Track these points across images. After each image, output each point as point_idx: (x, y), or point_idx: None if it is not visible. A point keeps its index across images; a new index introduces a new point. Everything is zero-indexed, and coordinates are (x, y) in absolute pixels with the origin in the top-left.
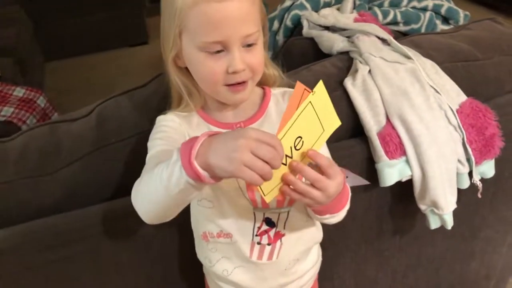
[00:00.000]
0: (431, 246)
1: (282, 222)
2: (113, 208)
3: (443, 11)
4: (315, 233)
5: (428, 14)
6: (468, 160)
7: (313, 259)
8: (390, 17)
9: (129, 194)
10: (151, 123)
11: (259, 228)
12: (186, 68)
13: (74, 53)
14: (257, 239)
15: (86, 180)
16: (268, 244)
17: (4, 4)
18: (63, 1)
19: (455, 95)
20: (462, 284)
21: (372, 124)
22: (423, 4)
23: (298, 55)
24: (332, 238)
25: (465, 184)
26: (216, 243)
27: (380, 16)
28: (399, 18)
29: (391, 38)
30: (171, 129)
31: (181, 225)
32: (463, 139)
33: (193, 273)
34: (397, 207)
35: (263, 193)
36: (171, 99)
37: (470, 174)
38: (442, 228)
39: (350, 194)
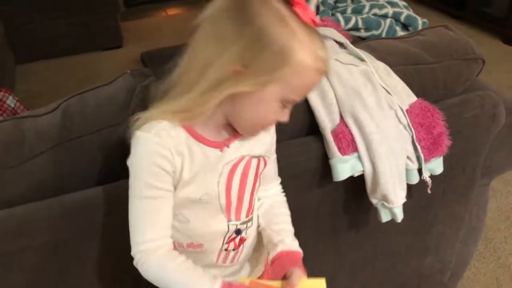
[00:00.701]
0: (386, 241)
1: (246, 229)
2: (76, 199)
3: (402, 18)
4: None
5: (388, 21)
6: (418, 157)
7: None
8: (351, 23)
9: (93, 186)
10: (115, 119)
11: (229, 237)
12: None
13: (46, 56)
14: (225, 246)
15: (50, 173)
16: (233, 250)
17: None
18: (35, 3)
19: (405, 96)
20: (418, 278)
21: (327, 122)
22: (383, 12)
23: None
24: None
25: (414, 179)
26: (184, 251)
27: (342, 22)
28: (360, 24)
29: (348, 42)
30: (162, 171)
31: None
32: (412, 137)
33: None
34: (351, 202)
35: None
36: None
37: (420, 171)
38: (396, 223)
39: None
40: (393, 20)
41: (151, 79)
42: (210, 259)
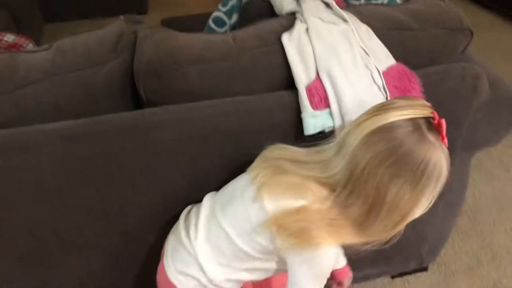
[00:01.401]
0: None
1: None
2: (58, 129)
3: None
4: None
5: None
6: None
7: None
8: None
9: (73, 118)
10: (102, 58)
11: None
12: None
13: (74, 17)
14: None
15: (37, 102)
16: None
17: None
18: None
19: (384, 58)
20: (393, 247)
21: (303, 77)
22: None
23: (255, 16)
24: None
25: None
26: None
27: None
28: None
29: (333, 2)
30: None
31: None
32: (386, 99)
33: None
34: None
35: None
36: None
37: None
38: None
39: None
40: None
41: (142, 26)
42: None
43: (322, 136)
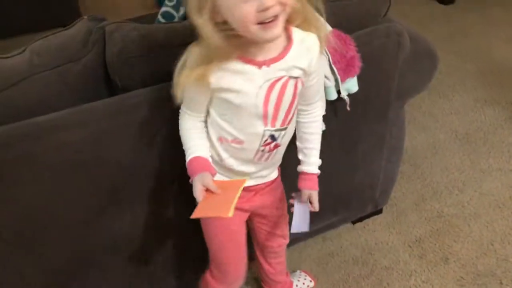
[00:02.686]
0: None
1: (281, 137)
2: (46, 120)
3: None
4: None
5: None
6: (336, 80)
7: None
8: None
9: (58, 110)
10: (75, 55)
11: (265, 141)
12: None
13: (4, 35)
14: (261, 148)
15: (20, 102)
16: (268, 152)
17: None
18: None
19: None
20: (350, 193)
21: None
22: None
23: None
24: None
25: (333, 96)
26: (229, 145)
27: None
28: None
29: None
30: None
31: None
32: (329, 60)
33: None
34: None
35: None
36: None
37: (340, 92)
38: (327, 141)
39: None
40: None
41: (106, 22)
42: (248, 155)
43: None
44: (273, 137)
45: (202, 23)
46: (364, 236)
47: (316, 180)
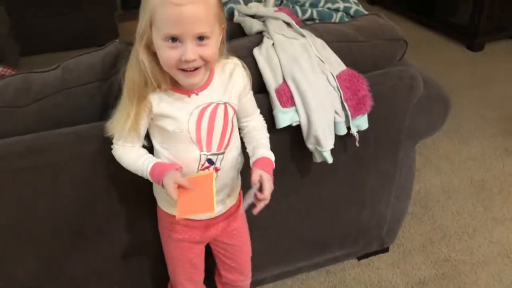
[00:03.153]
0: (327, 190)
1: (219, 161)
2: (72, 132)
3: (351, 12)
4: (239, 164)
5: (339, 14)
6: (347, 116)
7: (238, 182)
8: (307, 14)
9: (84, 123)
10: (103, 75)
11: (202, 165)
12: (155, 54)
13: (48, 50)
14: (201, 172)
15: (50, 113)
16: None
17: None
18: (40, 1)
19: (337, 65)
20: (357, 229)
21: (272, 82)
22: (335, 6)
23: (228, 36)
24: (243, 177)
25: (342, 131)
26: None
27: (300, 13)
28: (315, 15)
29: (293, 22)
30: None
31: None
32: (340, 97)
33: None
34: (296, 150)
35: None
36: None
37: (350, 128)
38: (336, 175)
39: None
40: (344, 13)
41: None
42: (192, 175)
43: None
44: (210, 161)
45: (141, 49)
46: (368, 273)
47: (268, 163)
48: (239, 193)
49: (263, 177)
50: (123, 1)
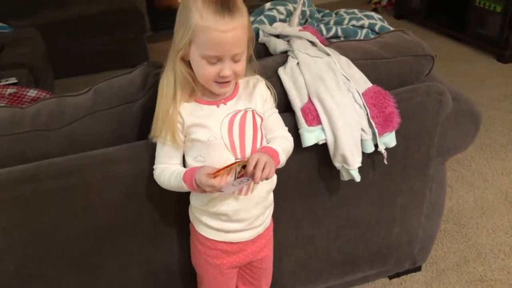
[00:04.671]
0: (357, 209)
1: None
2: (102, 154)
3: (377, 28)
4: (274, 178)
5: (364, 31)
6: (374, 133)
7: (271, 199)
8: (332, 32)
9: (114, 145)
10: (133, 97)
11: (239, 172)
12: (188, 62)
13: (81, 72)
14: (237, 179)
15: (82, 135)
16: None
17: (24, 26)
18: (73, 26)
19: (362, 83)
20: (387, 247)
21: (297, 101)
22: (360, 23)
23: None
24: (273, 195)
25: (369, 149)
26: None
27: (324, 31)
28: (339, 33)
29: (317, 41)
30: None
31: None
32: (367, 115)
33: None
34: (324, 169)
35: None
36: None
37: (377, 146)
38: (365, 193)
39: (290, 150)
40: (369, 30)
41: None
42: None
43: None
44: (245, 167)
45: (178, 62)
46: None
47: (272, 152)
48: (271, 219)
49: (260, 160)
50: (152, 23)
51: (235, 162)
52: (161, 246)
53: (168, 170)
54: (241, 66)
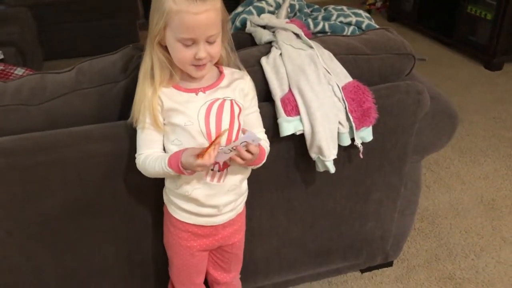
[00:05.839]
0: (332, 201)
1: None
2: (80, 131)
3: (363, 26)
4: (248, 168)
5: (351, 27)
6: (351, 127)
7: (245, 187)
8: (319, 27)
9: (93, 123)
10: (115, 77)
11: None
12: (166, 47)
13: (71, 55)
14: (211, 166)
15: (63, 112)
16: (218, 171)
17: (14, 5)
18: (64, 8)
19: (343, 77)
20: (361, 241)
21: (278, 91)
22: (348, 20)
23: (238, 45)
24: (248, 183)
25: (345, 142)
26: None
27: (312, 26)
28: (327, 28)
29: (302, 33)
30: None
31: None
32: (345, 108)
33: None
34: (300, 160)
35: None
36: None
37: (354, 139)
38: (340, 185)
39: (267, 152)
40: (356, 27)
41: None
42: (201, 175)
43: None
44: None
45: (155, 47)
46: (370, 286)
47: (262, 152)
48: (244, 207)
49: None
50: (146, 11)
51: (217, 136)
52: (136, 227)
53: (151, 157)
54: (216, 48)
